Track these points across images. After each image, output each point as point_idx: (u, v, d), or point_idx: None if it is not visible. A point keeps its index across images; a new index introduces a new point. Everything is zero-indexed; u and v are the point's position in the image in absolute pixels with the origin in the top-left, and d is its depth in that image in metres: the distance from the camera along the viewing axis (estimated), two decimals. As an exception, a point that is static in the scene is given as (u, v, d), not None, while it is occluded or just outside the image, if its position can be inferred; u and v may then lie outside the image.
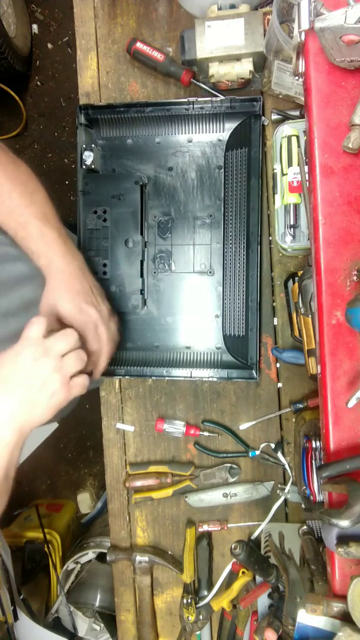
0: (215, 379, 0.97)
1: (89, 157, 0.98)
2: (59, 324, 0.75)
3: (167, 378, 1.00)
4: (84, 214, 0.98)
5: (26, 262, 0.82)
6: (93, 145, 1.00)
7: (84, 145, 0.98)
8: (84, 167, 0.99)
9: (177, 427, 1.02)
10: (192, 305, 1.01)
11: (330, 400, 0.67)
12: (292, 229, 0.93)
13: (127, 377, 1.02)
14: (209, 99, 0.95)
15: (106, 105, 0.98)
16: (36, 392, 0.63)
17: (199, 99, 0.95)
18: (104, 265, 0.98)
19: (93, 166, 0.99)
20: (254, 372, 0.95)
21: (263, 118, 0.96)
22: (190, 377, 0.97)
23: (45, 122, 2.16)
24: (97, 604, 1.49)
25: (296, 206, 0.93)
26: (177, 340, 1.01)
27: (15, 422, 0.63)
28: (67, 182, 2.14)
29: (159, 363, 0.99)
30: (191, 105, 0.95)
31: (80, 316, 0.76)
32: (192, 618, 1.01)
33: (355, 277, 0.66)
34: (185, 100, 0.95)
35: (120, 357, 1.01)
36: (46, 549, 1.57)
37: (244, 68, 0.92)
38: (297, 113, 0.96)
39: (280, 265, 1.01)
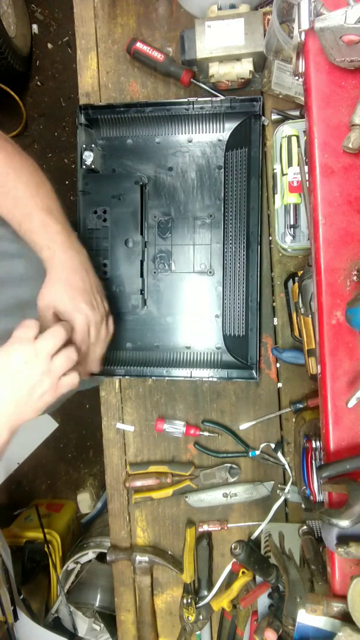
0: (215, 379, 0.97)
1: (89, 157, 0.98)
2: (55, 318, 0.75)
3: (167, 378, 1.00)
4: (84, 213, 0.98)
5: (26, 260, 0.81)
6: (93, 145, 1.00)
7: (84, 145, 0.98)
8: (84, 167, 0.99)
9: (177, 427, 1.02)
10: (192, 305, 1.01)
11: (330, 400, 0.67)
12: (292, 229, 0.93)
13: (127, 377, 1.02)
14: (209, 99, 0.95)
15: (106, 105, 0.98)
16: (26, 393, 0.64)
17: (199, 99, 0.95)
18: (104, 265, 0.98)
19: (93, 166, 0.99)
20: (254, 372, 0.95)
21: (263, 118, 0.96)
22: (190, 377, 0.97)
23: (45, 122, 2.16)
24: (97, 604, 1.49)
25: (296, 206, 0.93)
26: (177, 340, 1.01)
27: (6, 421, 0.64)
28: (67, 182, 2.14)
29: (159, 363, 0.99)
30: (191, 105, 0.95)
31: (76, 314, 0.75)
32: (192, 618, 1.01)
33: (355, 277, 0.66)
34: (185, 100, 0.95)
35: (120, 357, 1.01)
36: (46, 549, 1.57)
37: (244, 68, 0.92)
38: (297, 113, 0.96)
39: (280, 265, 1.01)
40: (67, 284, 0.75)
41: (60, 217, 0.77)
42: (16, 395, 0.64)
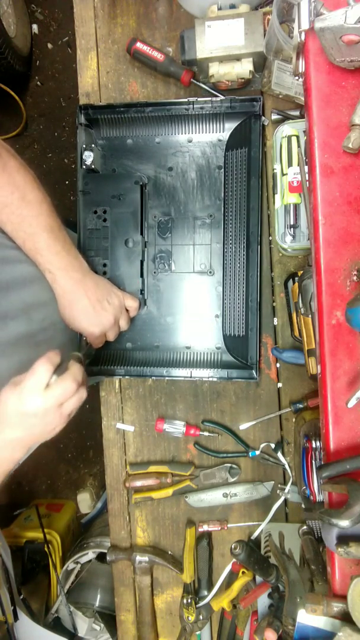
0: (215, 379, 0.97)
1: (89, 157, 0.98)
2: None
3: (167, 378, 1.00)
4: (84, 213, 0.98)
5: (29, 264, 0.82)
6: (93, 145, 1.00)
7: (84, 145, 0.98)
8: (84, 167, 0.99)
9: (177, 427, 1.02)
10: (192, 305, 1.01)
11: (330, 400, 0.67)
12: (292, 229, 0.93)
13: (127, 377, 1.02)
14: (209, 99, 0.95)
15: (106, 105, 0.98)
16: (38, 428, 0.70)
17: (199, 99, 0.95)
18: (104, 265, 0.98)
19: (93, 166, 0.99)
20: (253, 372, 0.95)
21: (263, 118, 0.96)
22: (190, 377, 0.97)
23: (45, 122, 2.16)
24: (97, 604, 1.49)
25: (296, 206, 0.93)
26: (177, 340, 1.01)
27: (22, 446, 0.70)
28: (67, 182, 2.14)
29: (159, 363, 0.99)
30: (191, 105, 0.95)
31: (87, 333, 0.87)
32: (192, 618, 1.01)
33: (355, 277, 0.66)
34: (186, 100, 0.95)
35: (120, 357, 1.01)
36: (46, 549, 1.57)
37: (244, 68, 0.92)
38: (297, 113, 0.96)
39: (280, 265, 1.01)
40: (71, 308, 0.83)
41: (60, 234, 0.81)
42: (28, 429, 0.69)
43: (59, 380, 0.69)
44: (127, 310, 0.93)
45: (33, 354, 0.73)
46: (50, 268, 0.81)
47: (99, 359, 1.00)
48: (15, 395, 0.67)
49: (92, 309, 0.84)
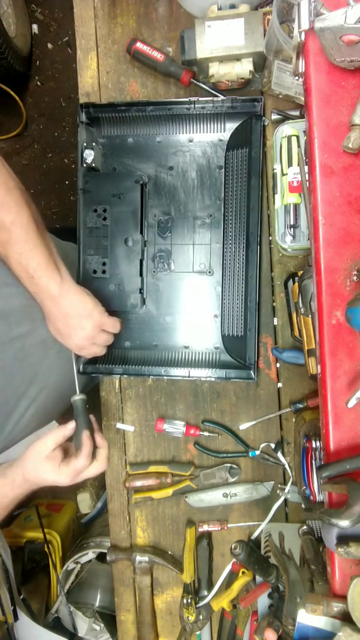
0: (213, 379, 0.97)
1: (89, 156, 0.98)
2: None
3: (165, 377, 1.00)
4: (84, 212, 0.98)
5: (5, 269, 0.83)
6: (94, 144, 1.00)
7: (84, 144, 0.98)
8: (84, 165, 0.99)
9: (177, 427, 1.02)
10: (191, 305, 1.01)
11: (330, 400, 0.67)
12: (292, 229, 0.93)
13: (125, 375, 1.02)
14: (211, 98, 0.95)
15: (107, 104, 0.98)
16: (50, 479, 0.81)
17: (200, 99, 0.95)
18: (103, 264, 0.98)
19: (94, 165, 0.99)
20: (251, 372, 0.95)
21: (264, 118, 0.96)
22: (189, 376, 0.97)
23: (45, 122, 2.16)
24: (97, 604, 1.49)
25: (296, 206, 0.93)
26: (175, 339, 1.01)
27: (32, 484, 0.83)
28: (67, 182, 2.14)
29: (158, 362, 0.99)
30: (192, 105, 0.95)
31: (69, 346, 0.90)
32: (192, 618, 1.01)
33: (355, 277, 0.66)
34: (187, 99, 0.95)
35: (119, 355, 1.01)
36: (46, 549, 1.57)
37: (244, 68, 0.92)
38: (297, 113, 0.96)
39: (280, 265, 1.01)
40: (57, 332, 0.88)
41: (46, 251, 0.81)
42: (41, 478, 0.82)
43: (72, 465, 0.80)
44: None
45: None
46: (36, 291, 0.83)
47: (97, 358, 1.00)
48: (34, 460, 0.80)
49: (60, 332, 0.87)
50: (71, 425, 0.83)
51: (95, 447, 0.85)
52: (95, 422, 0.88)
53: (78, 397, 0.87)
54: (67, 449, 0.85)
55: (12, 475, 0.81)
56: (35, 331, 0.91)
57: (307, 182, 0.71)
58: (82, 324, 0.86)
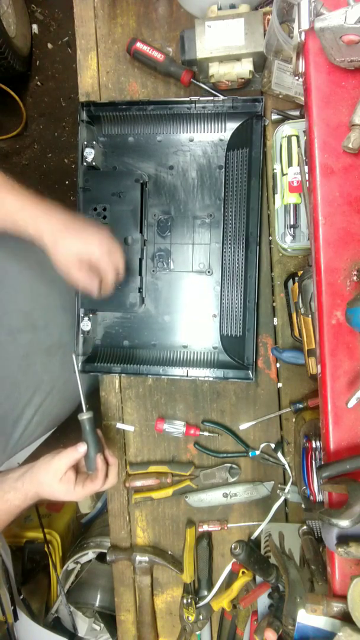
0: (211, 379, 0.97)
1: (90, 154, 0.98)
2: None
3: (163, 377, 1.00)
4: (84, 211, 0.98)
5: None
6: (94, 143, 1.00)
7: (85, 142, 0.98)
8: (84, 164, 0.99)
9: (177, 427, 1.02)
10: (190, 304, 1.01)
11: (330, 400, 0.67)
12: (292, 229, 0.93)
13: (123, 374, 1.02)
14: (211, 98, 0.95)
15: (108, 103, 0.98)
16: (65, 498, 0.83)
17: (201, 99, 0.95)
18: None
19: (94, 163, 0.99)
20: (250, 372, 0.95)
21: (264, 118, 0.96)
22: (187, 376, 0.97)
23: (45, 122, 2.16)
24: (97, 604, 1.49)
25: (296, 206, 0.93)
26: (174, 339, 1.01)
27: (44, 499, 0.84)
28: (67, 182, 2.14)
29: (156, 361, 0.99)
30: (193, 105, 0.95)
31: (90, 250, 0.83)
32: (192, 618, 1.01)
33: (355, 277, 0.66)
34: (188, 99, 0.95)
35: (117, 354, 1.01)
36: (46, 549, 1.56)
37: (244, 68, 0.92)
38: (297, 113, 0.96)
39: (280, 265, 1.01)
40: (69, 232, 0.81)
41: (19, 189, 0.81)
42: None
43: (91, 485, 0.83)
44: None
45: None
46: (34, 224, 0.80)
47: (96, 356, 1.00)
48: (50, 477, 0.81)
49: (80, 230, 0.83)
50: (82, 449, 0.84)
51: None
52: (102, 438, 0.88)
53: (85, 416, 0.87)
54: (78, 466, 0.86)
55: (25, 490, 0.81)
56: (37, 339, 0.91)
57: (307, 182, 0.71)
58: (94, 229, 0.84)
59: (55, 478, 0.81)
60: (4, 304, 0.86)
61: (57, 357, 0.97)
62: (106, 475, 0.86)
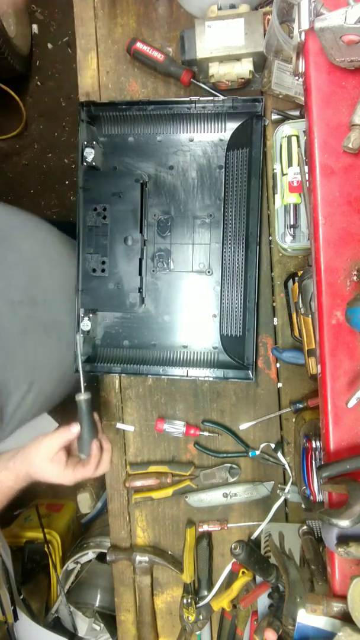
0: (211, 379, 0.97)
1: (90, 154, 0.98)
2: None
3: (163, 377, 1.00)
4: (83, 210, 0.98)
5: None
6: (94, 142, 1.00)
7: (85, 142, 0.98)
8: (84, 163, 0.99)
9: (177, 427, 1.02)
10: (190, 304, 1.01)
11: (330, 400, 0.67)
12: (292, 229, 0.93)
13: (123, 374, 1.02)
14: (211, 98, 0.95)
15: (108, 103, 0.98)
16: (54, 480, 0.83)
17: (201, 99, 0.95)
18: (103, 262, 0.98)
19: (94, 163, 0.99)
20: (250, 372, 0.95)
21: (264, 118, 0.96)
22: (187, 376, 0.97)
23: (45, 122, 2.16)
24: (97, 604, 1.49)
25: (296, 206, 0.93)
26: (174, 339, 1.01)
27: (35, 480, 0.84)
28: (67, 182, 2.14)
29: (156, 361, 0.99)
30: (193, 105, 0.95)
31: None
32: (192, 618, 1.01)
33: (355, 277, 0.66)
34: (188, 99, 0.95)
35: (117, 354, 1.01)
36: (46, 549, 1.56)
37: (244, 68, 0.92)
38: (297, 113, 0.96)
39: (280, 265, 1.01)
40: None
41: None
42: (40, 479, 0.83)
43: (82, 470, 0.83)
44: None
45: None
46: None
47: (96, 356, 1.01)
48: (44, 461, 0.80)
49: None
50: (75, 429, 0.83)
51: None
52: (98, 422, 0.87)
53: (82, 397, 0.85)
54: (70, 447, 0.85)
55: (16, 470, 0.81)
56: (36, 314, 0.90)
57: (307, 182, 0.71)
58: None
59: (47, 457, 0.80)
60: (7, 275, 0.86)
61: (54, 334, 0.95)
62: (99, 462, 0.85)
